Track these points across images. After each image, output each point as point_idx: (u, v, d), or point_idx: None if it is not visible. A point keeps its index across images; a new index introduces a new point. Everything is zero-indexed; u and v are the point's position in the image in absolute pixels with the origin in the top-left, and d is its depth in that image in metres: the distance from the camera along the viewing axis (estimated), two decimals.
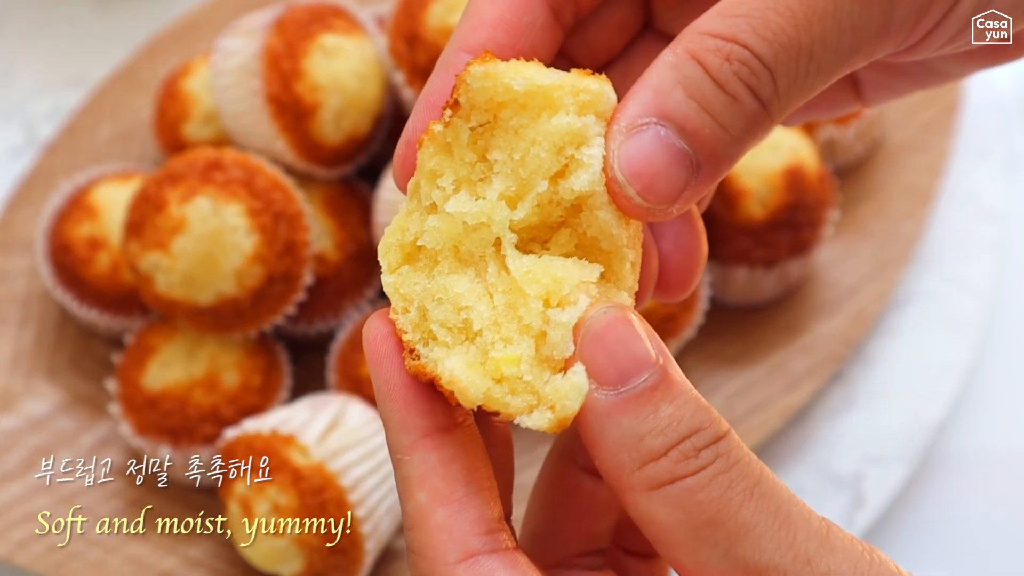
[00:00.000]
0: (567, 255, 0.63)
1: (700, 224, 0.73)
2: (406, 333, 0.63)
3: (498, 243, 0.64)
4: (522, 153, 0.62)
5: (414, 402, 0.62)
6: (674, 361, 0.59)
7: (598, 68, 0.71)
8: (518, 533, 0.70)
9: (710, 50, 0.59)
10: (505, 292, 0.61)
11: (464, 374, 0.61)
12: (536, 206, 0.62)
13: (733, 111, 0.59)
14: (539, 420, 0.60)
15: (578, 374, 0.59)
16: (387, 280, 0.64)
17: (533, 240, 0.64)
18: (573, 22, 0.69)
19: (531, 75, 0.62)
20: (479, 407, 0.61)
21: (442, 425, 0.62)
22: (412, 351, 0.63)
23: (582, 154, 0.61)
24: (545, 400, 0.60)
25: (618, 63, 0.74)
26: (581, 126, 0.61)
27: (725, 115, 0.59)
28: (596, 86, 0.62)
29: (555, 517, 0.69)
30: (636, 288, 0.64)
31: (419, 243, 0.64)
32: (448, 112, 0.63)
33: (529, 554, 0.68)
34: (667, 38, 0.74)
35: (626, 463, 0.57)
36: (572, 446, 0.68)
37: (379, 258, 0.64)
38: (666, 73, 0.59)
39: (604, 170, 0.61)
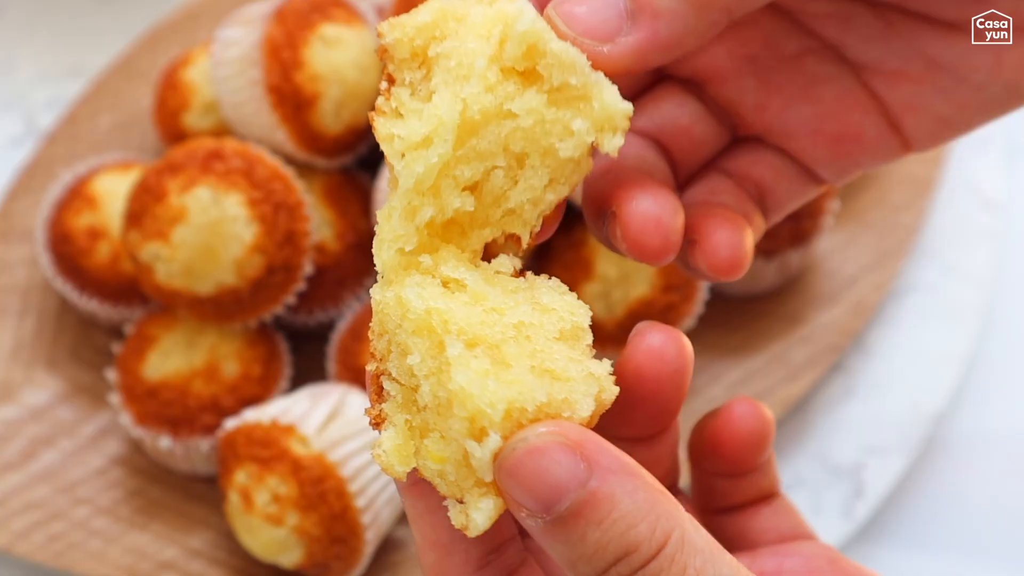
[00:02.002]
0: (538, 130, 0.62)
1: (737, 218, 0.70)
2: (374, 358, 0.63)
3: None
4: (456, 59, 0.62)
5: None
6: (612, 463, 0.56)
7: None
8: None
9: None
10: (445, 389, 0.59)
11: (388, 455, 0.61)
12: (485, 88, 0.61)
13: None
14: (457, 519, 0.60)
15: (481, 511, 0.58)
16: (374, 296, 0.63)
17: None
18: None
19: (432, 4, 0.62)
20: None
21: None
22: (380, 388, 0.63)
23: (512, 14, 0.61)
24: (466, 502, 0.59)
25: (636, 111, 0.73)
26: (495, 10, 0.61)
27: None
28: None
29: None
30: (628, 106, 0.62)
31: (392, 210, 0.63)
32: (385, 84, 0.63)
33: None
34: (682, 82, 0.74)
35: None
36: (602, 417, 0.68)
37: (375, 258, 0.63)
38: None
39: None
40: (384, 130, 0.62)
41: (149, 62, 1.36)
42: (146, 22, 1.41)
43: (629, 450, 0.67)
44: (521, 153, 0.63)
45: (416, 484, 0.63)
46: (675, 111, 0.72)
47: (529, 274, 0.65)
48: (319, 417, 1.06)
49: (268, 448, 1.05)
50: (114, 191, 1.20)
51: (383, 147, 0.63)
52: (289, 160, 1.18)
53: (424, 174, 0.61)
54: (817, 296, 1.24)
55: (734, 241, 0.68)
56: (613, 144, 0.62)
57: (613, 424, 0.67)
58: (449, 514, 0.60)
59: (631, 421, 0.67)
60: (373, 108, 0.64)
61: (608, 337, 1.14)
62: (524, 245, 0.65)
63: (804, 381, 1.20)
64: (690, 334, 1.21)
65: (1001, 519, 1.21)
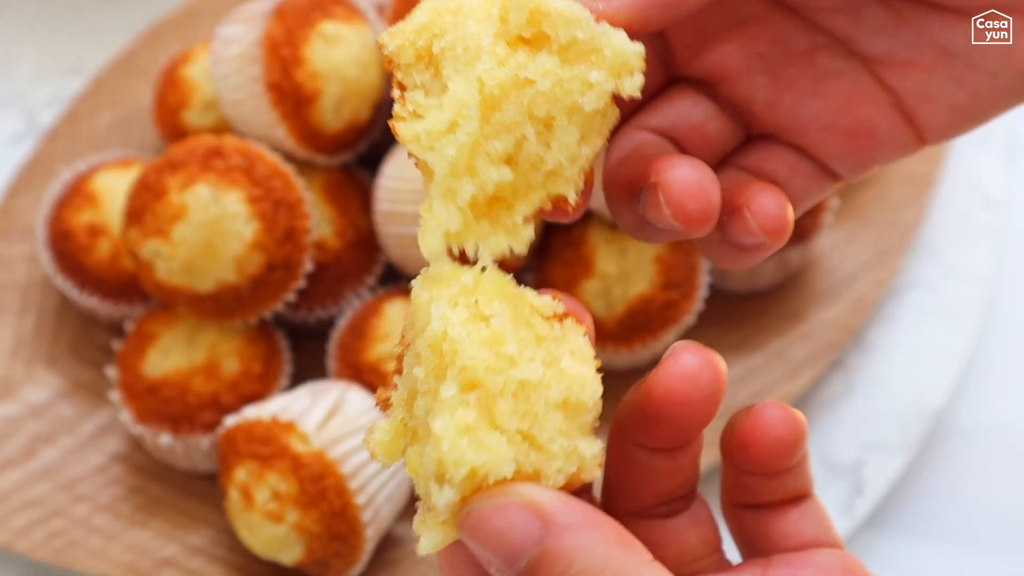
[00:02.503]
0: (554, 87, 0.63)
1: (775, 186, 0.71)
2: (403, 341, 0.63)
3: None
4: (461, 46, 0.62)
5: None
6: (569, 519, 0.57)
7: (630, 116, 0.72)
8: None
9: None
10: (430, 419, 0.59)
11: (375, 444, 0.62)
12: (498, 63, 0.62)
13: None
14: (417, 526, 0.60)
15: (429, 539, 0.59)
16: (415, 289, 0.63)
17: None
18: None
19: (427, 3, 0.63)
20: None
21: None
22: (400, 360, 0.63)
23: None
24: (423, 520, 0.60)
25: (644, 113, 0.73)
26: None
27: None
28: None
29: (617, 483, 0.69)
30: (640, 47, 0.63)
31: (432, 199, 0.63)
32: (398, 92, 0.63)
33: (604, 507, 0.69)
34: (694, 83, 0.74)
35: None
36: (627, 422, 0.67)
37: (422, 249, 0.63)
38: None
39: None
40: (408, 132, 0.62)
41: (149, 60, 1.36)
42: (146, 20, 1.41)
43: (650, 459, 0.67)
44: (547, 117, 0.63)
45: None
46: (688, 110, 0.72)
47: (568, 323, 0.64)
48: (319, 414, 1.07)
49: (268, 445, 1.05)
50: (114, 188, 1.20)
51: (410, 148, 0.63)
52: (289, 157, 1.18)
53: (457, 156, 0.62)
54: (817, 293, 1.24)
55: (780, 202, 0.68)
56: (633, 85, 0.62)
57: (636, 435, 0.67)
58: (415, 517, 0.61)
59: (655, 436, 0.67)
60: (391, 116, 0.64)
61: (608, 334, 1.14)
62: (572, 203, 0.65)
63: (804, 379, 1.20)
64: (690, 331, 1.21)
65: (1002, 513, 1.21)
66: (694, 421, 0.65)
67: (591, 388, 0.62)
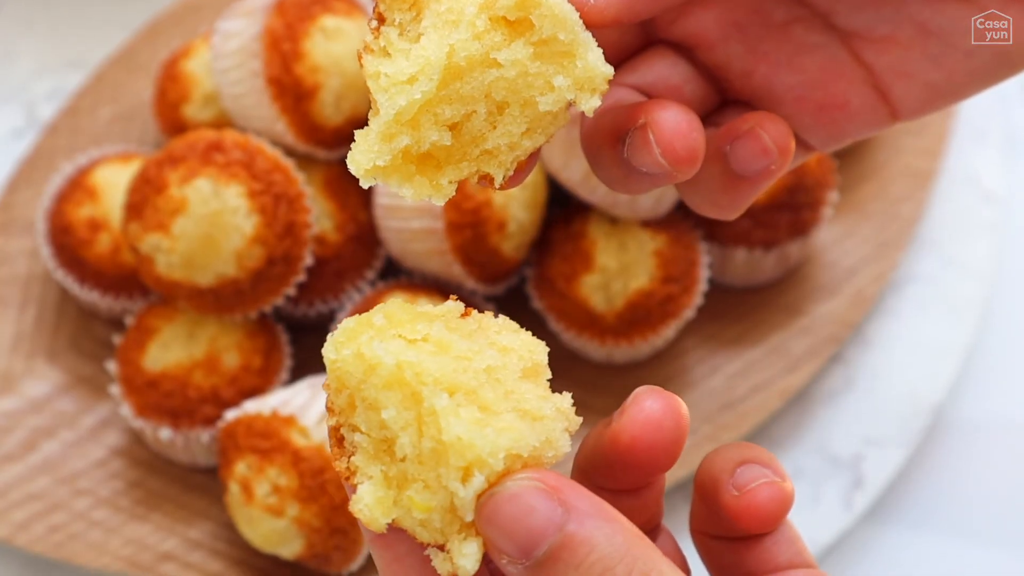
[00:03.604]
0: (523, 77, 0.63)
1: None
2: (332, 413, 0.63)
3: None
4: (447, 4, 0.63)
5: None
6: (589, 508, 0.58)
7: None
8: None
9: None
10: (434, 440, 0.59)
11: (371, 508, 0.61)
12: (473, 36, 0.62)
13: None
14: (442, 567, 0.60)
15: (467, 556, 0.59)
16: (328, 356, 0.62)
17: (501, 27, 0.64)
18: None
19: None
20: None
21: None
22: (340, 440, 0.63)
23: None
24: (448, 548, 0.60)
25: (623, 71, 0.73)
26: None
27: None
28: None
29: None
30: (610, 70, 0.63)
31: (370, 131, 0.63)
32: (375, 23, 0.64)
33: None
34: (674, 46, 0.74)
35: None
36: (590, 468, 0.67)
37: (350, 167, 0.63)
38: None
39: None
40: (371, 68, 0.63)
41: (150, 54, 1.36)
42: (147, 14, 1.41)
43: (614, 500, 0.67)
44: (502, 102, 0.64)
45: (382, 535, 0.63)
46: (666, 71, 0.73)
47: (475, 313, 0.65)
48: (319, 408, 1.07)
49: (268, 439, 1.05)
50: (115, 183, 1.20)
51: (369, 83, 0.63)
52: (289, 152, 1.18)
53: (405, 108, 0.62)
54: (817, 287, 1.24)
55: (786, 125, 0.69)
56: (590, 104, 0.63)
57: (600, 479, 0.67)
58: (433, 563, 0.61)
59: (621, 480, 0.67)
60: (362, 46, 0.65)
61: (607, 328, 1.14)
62: (496, 185, 0.66)
63: (804, 372, 1.20)
64: (689, 325, 1.21)
65: (1001, 506, 1.21)
66: (659, 465, 0.65)
67: (539, 348, 0.64)
